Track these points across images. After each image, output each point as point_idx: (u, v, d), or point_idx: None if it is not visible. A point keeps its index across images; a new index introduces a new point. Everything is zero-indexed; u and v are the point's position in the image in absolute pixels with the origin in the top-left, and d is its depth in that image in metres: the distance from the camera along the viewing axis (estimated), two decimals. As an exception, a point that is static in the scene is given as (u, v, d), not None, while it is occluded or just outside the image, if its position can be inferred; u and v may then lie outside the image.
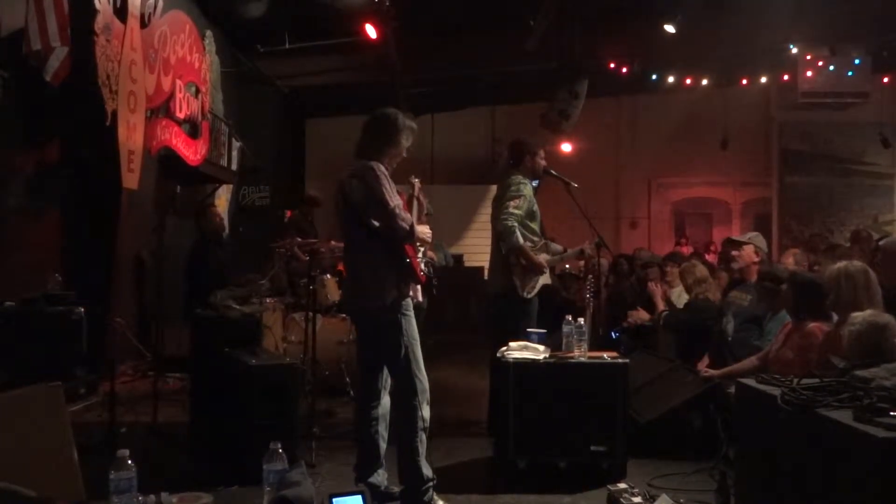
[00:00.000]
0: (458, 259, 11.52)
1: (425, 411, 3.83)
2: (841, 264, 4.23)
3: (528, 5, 8.67)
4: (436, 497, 3.85)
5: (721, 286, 6.35)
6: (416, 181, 4.30)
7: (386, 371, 3.99)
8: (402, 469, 3.85)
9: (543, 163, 5.51)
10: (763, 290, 5.12)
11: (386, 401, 4.04)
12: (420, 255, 4.03)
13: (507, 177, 5.44)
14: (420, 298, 4.01)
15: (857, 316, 3.54)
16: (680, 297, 6.50)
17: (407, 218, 3.80)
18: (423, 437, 3.82)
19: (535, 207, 5.39)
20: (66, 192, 6.26)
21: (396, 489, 4.00)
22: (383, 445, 4.01)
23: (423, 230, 3.95)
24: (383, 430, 4.01)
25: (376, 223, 3.79)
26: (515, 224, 5.18)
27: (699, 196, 15.01)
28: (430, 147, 12.38)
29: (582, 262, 8.33)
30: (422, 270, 3.95)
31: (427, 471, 3.83)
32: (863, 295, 4.00)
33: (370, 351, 4.01)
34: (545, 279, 5.37)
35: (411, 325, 3.86)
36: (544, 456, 4.37)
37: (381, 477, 3.99)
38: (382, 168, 3.84)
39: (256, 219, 10.48)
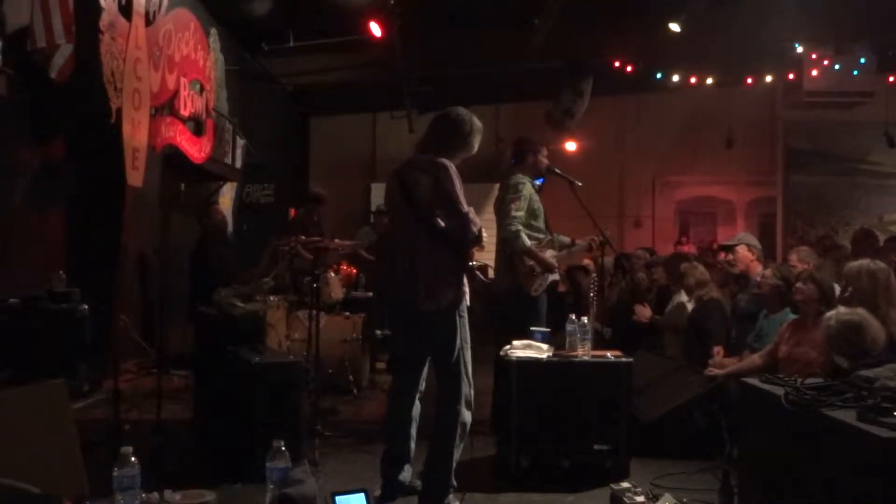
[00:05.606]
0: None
1: (467, 417, 3.84)
2: (864, 261, 4.20)
3: (532, 4, 8.66)
4: (453, 499, 3.85)
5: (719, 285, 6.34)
6: None
7: (424, 373, 3.99)
8: (431, 469, 3.83)
9: (545, 161, 5.54)
10: (774, 288, 5.07)
11: (418, 402, 4.05)
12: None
13: (508, 176, 5.47)
14: (468, 301, 3.98)
15: (831, 315, 3.52)
16: (678, 300, 6.44)
17: (477, 222, 3.77)
18: (459, 442, 3.82)
19: (538, 205, 5.40)
20: (71, 189, 6.26)
21: (419, 484, 4.01)
22: (412, 445, 4.02)
23: (484, 234, 3.90)
24: (413, 431, 4.02)
25: (442, 223, 3.75)
26: (519, 227, 5.20)
27: (703, 195, 14.96)
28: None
29: (588, 260, 8.34)
30: (478, 274, 3.95)
31: (453, 477, 3.84)
32: (882, 295, 3.96)
33: (415, 351, 3.98)
34: (553, 275, 5.39)
35: (465, 328, 3.85)
36: (547, 455, 4.37)
37: (407, 474, 4.02)
38: (454, 168, 3.79)
39: (260, 217, 10.49)
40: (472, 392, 3.89)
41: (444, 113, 4.00)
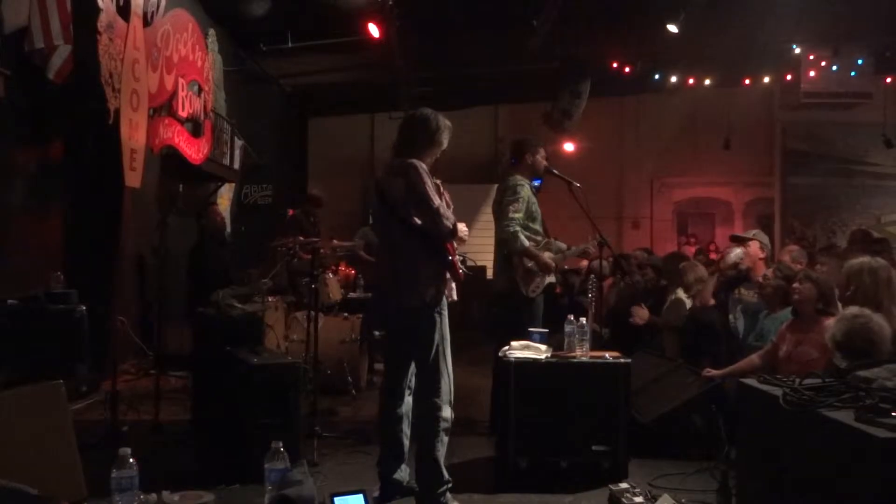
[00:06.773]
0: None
1: (447, 412, 3.86)
2: (865, 259, 4.19)
3: (531, 5, 8.66)
4: (451, 499, 3.86)
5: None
6: (438, 182, 4.26)
7: (411, 370, 4.00)
8: (420, 468, 3.86)
9: (544, 162, 5.55)
10: (777, 289, 5.06)
11: (409, 399, 4.06)
12: (458, 253, 4.03)
13: (506, 177, 5.48)
14: (455, 297, 4.01)
15: (840, 315, 3.52)
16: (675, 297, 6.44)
17: (450, 216, 3.83)
18: (443, 437, 3.84)
19: (535, 207, 5.42)
20: (69, 190, 6.26)
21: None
22: (406, 443, 4.04)
23: (462, 228, 3.93)
24: (406, 428, 4.03)
25: (419, 221, 3.81)
26: (518, 229, 5.22)
27: (702, 196, 14.99)
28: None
29: (584, 262, 8.35)
30: (460, 268, 3.95)
31: (444, 472, 3.85)
32: (884, 292, 3.95)
33: (400, 349, 4.02)
34: (549, 277, 5.40)
35: (444, 324, 3.89)
36: (546, 455, 4.37)
37: (404, 473, 4.02)
38: (424, 166, 3.85)
39: (258, 217, 10.49)
40: (452, 388, 3.92)
41: (410, 115, 4.09)
